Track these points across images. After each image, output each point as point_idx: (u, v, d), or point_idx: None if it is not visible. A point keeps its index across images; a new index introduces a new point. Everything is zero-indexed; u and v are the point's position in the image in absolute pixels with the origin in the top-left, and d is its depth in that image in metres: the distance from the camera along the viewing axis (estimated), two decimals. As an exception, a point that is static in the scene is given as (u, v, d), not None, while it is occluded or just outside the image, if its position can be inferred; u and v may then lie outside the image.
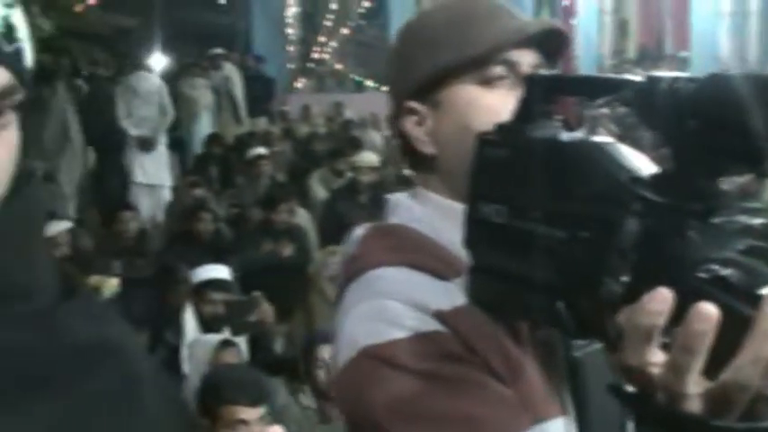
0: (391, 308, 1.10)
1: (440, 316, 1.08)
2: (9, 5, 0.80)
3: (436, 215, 1.21)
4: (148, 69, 9.81)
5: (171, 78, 10.92)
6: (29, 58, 0.83)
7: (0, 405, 0.79)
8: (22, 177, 0.87)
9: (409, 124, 1.23)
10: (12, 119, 0.81)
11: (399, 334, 1.08)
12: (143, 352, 1.01)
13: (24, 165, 0.90)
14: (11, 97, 0.79)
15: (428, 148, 1.22)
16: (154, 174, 8.96)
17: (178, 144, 10.68)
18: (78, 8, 14.16)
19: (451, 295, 1.09)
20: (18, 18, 0.80)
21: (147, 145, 8.90)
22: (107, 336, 0.91)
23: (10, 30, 0.79)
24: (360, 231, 1.26)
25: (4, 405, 0.79)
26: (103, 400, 0.86)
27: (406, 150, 1.26)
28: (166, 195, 9.00)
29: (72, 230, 6.04)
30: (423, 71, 1.21)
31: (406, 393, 1.04)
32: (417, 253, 1.17)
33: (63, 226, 5.82)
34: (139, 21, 12.63)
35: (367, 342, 1.09)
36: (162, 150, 9.19)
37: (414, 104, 1.22)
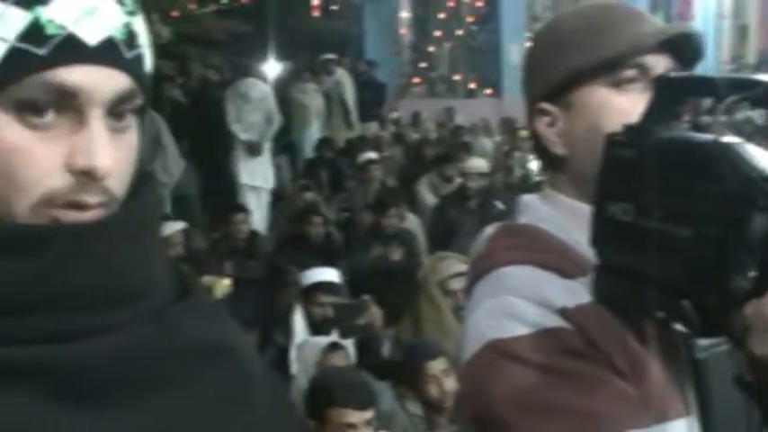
0: (517, 304, 1.13)
1: (564, 313, 1.11)
2: (131, 13, 0.83)
3: (563, 215, 1.23)
4: (259, 76, 9.95)
5: (282, 84, 11.06)
6: (149, 63, 0.85)
7: (116, 402, 0.80)
8: (142, 178, 0.89)
9: (541, 125, 1.25)
10: (132, 122, 0.84)
11: (524, 329, 1.11)
12: (254, 352, 1.02)
13: (143, 166, 0.92)
14: (132, 101, 0.83)
15: (559, 149, 1.24)
16: (259, 176, 9.09)
17: (289, 148, 10.82)
18: (195, 15, 14.51)
19: (576, 294, 1.12)
20: (139, 25, 0.83)
21: (254, 149, 9.01)
22: (220, 336, 0.92)
23: (131, 36, 0.82)
24: (489, 230, 1.30)
25: (121, 402, 0.81)
26: (215, 399, 0.88)
27: (538, 151, 1.30)
28: (268, 197, 9.14)
29: (185, 231, 6.16)
30: (556, 73, 1.23)
31: (527, 386, 1.08)
32: (544, 252, 1.20)
33: (177, 227, 5.93)
34: (253, 27, 12.83)
35: (493, 336, 1.13)
36: (266, 154, 9.32)
37: (546, 106, 1.25)
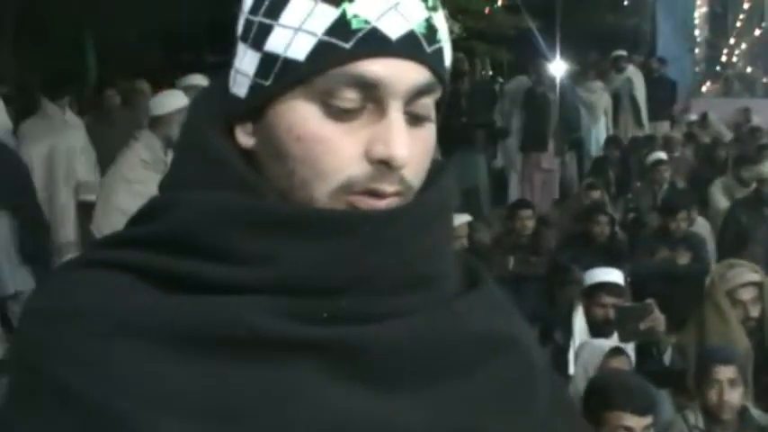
0: None
1: None
2: (432, 8, 0.86)
3: None
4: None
5: (570, 81, 10.98)
6: (448, 58, 0.89)
7: (410, 385, 0.84)
8: (437, 170, 0.93)
9: None
10: (431, 115, 0.89)
11: None
12: (537, 345, 1.04)
13: (438, 157, 0.96)
14: (431, 94, 0.87)
15: None
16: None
17: (576, 145, 10.73)
18: (485, 11, 14.66)
19: None
20: (439, 20, 0.86)
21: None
22: (505, 327, 0.94)
23: (432, 31, 0.85)
24: None
25: (414, 385, 0.84)
26: (500, 388, 0.90)
27: None
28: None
29: (470, 224, 6.27)
30: None
31: None
32: None
33: (463, 219, 6.04)
34: (542, 23, 12.80)
35: None
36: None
37: None
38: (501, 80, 10.78)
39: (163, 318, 0.80)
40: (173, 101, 4.89)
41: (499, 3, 15.17)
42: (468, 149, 8.98)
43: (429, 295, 0.87)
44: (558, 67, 10.75)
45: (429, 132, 0.89)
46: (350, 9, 0.81)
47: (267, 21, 0.85)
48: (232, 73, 0.90)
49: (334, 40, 0.82)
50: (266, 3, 0.85)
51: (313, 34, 0.82)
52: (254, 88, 0.87)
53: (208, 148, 0.89)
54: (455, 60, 8.63)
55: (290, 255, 0.81)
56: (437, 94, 0.88)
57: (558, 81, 10.25)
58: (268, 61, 0.85)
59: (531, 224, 6.62)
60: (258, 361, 0.80)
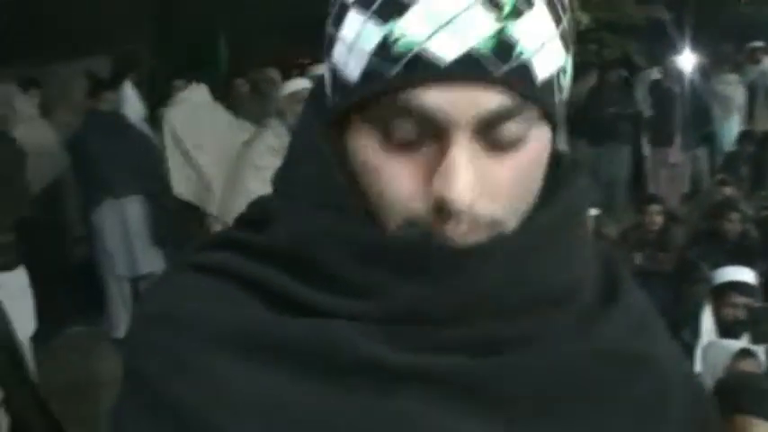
0: None
1: None
2: (510, 16, 0.71)
3: None
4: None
5: (703, 73, 10.67)
6: (546, 68, 0.74)
7: (530, 419, 0.78)
8: (568, 168, 0.87)
9: None
10: (526, 135, 0.76)
11: None
12: (677, 360, 0.95)
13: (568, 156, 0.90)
14: (515, 119, 0.74)
15: None
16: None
17: (708, 139, 10.44)
18: (616, 1, 14.37)
19: None
20: (523, 28, 0.72)
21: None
22: (644, 345, 0.88)
23: (506, 46, 0.71)
24: None
25: (535, 419, 0.78)
26: (633, 413, 0.83)
27: None
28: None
29: (597, 217, 6.18)
30: None
31: None
32: None
33: (590, 212, 5.95)
34: (674, 14, 12.45)
35: None
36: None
37: None
38: (625, 73, 10.53)
39: (268, 335, 0.78)
40: (300, 86, 4.95)
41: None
42: (613, 140, 8.91)
43: (559, 314, 0.81)
44: (687, 59, 10.48)
45: (524, 158, 0.77)
46: (397, 28, 0.71)
47: (332, 30, 0.78)
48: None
49: (380, 65, 0.72)
50: (333, 12, 0.79)
51: (362, 55, 0.74)
52: (332, 99, 0.82)
53: (315, 162, 0.82)
54: (585, 53, 8.56)
55: (400, 288, 0.76)
56: (530, 115, 0.75)
57: (687, 73, 9.98)
58: (334, 75, 0.79)
59: (659, 219, 6.49)
60: (363, 387, 0.75)
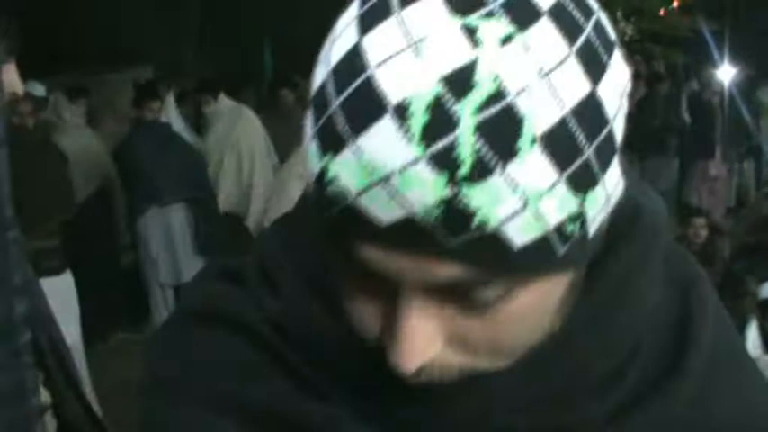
0: None
1: None
2: (468, 178, 0.51)
3: None
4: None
5: (747, 84, 10.56)
6: (514, 236, 0.54)
7: None
8: (624, 224, 0.72)
9: None
10: (507, 294, 0.59)
11: None
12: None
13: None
14: (478, 287, 0.57)
15: None
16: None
17: (753, 152, 10.33)
18: (660, 12, 14.28)
19: None
20: (483, 194, 0.52)
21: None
22: (752, 410, 0.77)
23: (460, 215, 0.53)
24: None
25: None
26: None
27: None
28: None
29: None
30: None
31: None
32: None
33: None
34: (718, 24, 12.34)
35: None
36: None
37: None
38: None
39: (266, 406, 0.75)
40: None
41: (675, 4, 14.74)
42: (661, 154, 8.88)
43: (587, 407, 0.71)
44: (728, 71, 10.38)
45: (513, 312, 0.60)
46: (332, 166, 0.55)
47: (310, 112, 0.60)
48: None
49: (319, 199, 0.58)
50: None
51: (310, 177, 0.58)
52: None
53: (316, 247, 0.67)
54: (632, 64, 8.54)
55: (394, 413, 0.71)
56: (510, 278, 0.58)
57: (727, 85, 9.88)
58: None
59: (704, 233, 6.42)
60: None
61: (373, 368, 0.65)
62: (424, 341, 0.59)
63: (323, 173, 0.55)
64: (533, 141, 0.52)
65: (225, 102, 6.98)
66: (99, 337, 5.94)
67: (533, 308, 0.61)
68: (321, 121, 0.55)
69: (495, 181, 0.51)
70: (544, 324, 0.64)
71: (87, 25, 10.89)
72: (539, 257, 0.56)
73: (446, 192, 0.51)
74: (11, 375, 0.72)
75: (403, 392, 0.65)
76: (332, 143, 0.54)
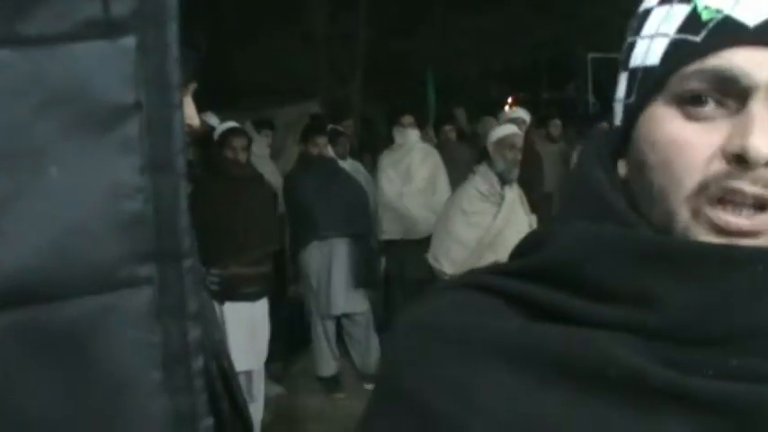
0: None
1: None
2: None
3: None
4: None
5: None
6: None
7: None
8: None
9: None
10: None
11: None
12: None
13: None
14: None
15: None
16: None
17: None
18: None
19: None
20: None
21: None
22: None
23: None
24: None
25: None
26: None
27: None
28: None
29: None
30: None
31: None
32: None
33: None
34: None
35: None
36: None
37: None
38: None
39: (528, 344, 0.77)
40: (508, 132, 4.94)
41: None
42: None
43: None
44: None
45: None
46: (701, 1, 0.77)
47: (632, 39, 0.85)
48: (615, 106, 0.87)
49: (685, 37, 0.77)
50: (634, 22, 0.86)
51: (666, 35, 0.79)
52: (624, 111, 0.85)
53: (588, 183, 0.85)
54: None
55: (674, 297, 0.72)
56: None
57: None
58: (632, 78, 0.84)
59: None
60: (623, 404, 0.71)
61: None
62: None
63: (693, 11, 0.77)
64: None
65: (401, 136, 7.06)
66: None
67: None
68: None
69: None
70: None
71: (266, 60, 11.29)
72: None
73: None
74: (187, 398, 0.74)
75: (688, 282, 0.72)
76: None
